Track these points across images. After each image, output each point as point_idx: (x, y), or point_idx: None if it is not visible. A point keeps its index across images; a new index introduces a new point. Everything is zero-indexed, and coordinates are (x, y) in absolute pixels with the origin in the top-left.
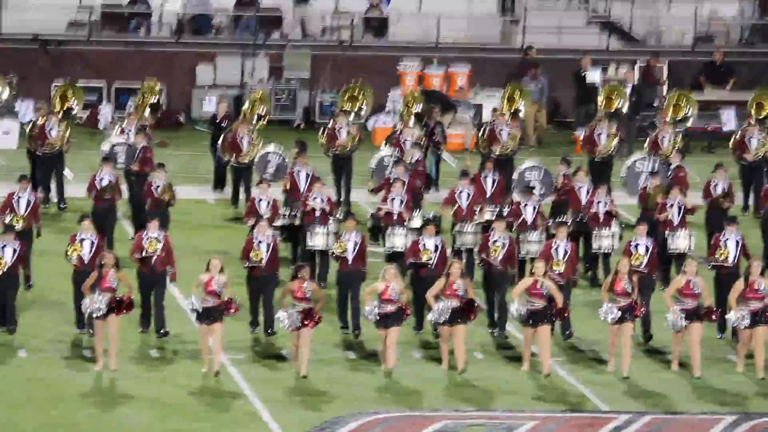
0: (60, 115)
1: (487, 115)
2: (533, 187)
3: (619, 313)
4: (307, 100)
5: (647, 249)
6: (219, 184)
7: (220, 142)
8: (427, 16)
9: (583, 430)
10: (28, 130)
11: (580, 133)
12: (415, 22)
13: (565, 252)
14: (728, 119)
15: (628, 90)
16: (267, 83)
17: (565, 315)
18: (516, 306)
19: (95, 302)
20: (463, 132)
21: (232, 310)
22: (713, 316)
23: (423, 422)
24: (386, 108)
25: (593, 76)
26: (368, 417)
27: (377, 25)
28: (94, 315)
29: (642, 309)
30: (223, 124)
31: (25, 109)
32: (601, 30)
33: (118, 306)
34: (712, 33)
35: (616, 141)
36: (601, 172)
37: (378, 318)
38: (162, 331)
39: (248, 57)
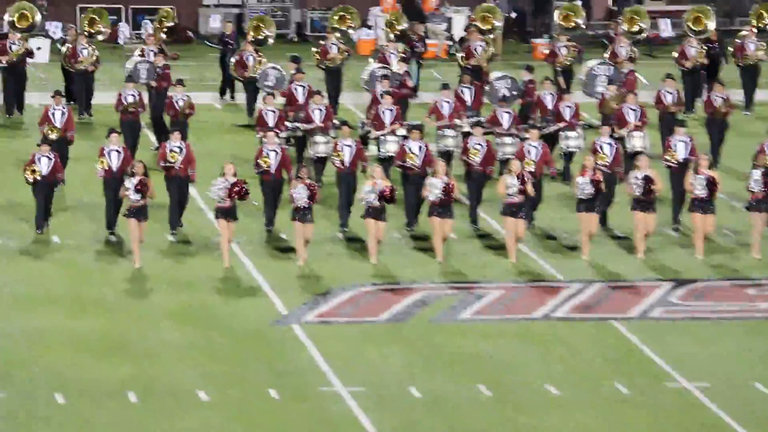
0: (88, 37)
1: (457, 27)
2: (508, 97)
3: (593, 190)
4: (299, 17)
5: (611, 147)
6: (224, 92)
7: (231, 63)
8: None
9: (542, 297)
10: (63, 50)
11: (539, 42)
12: None
13: (537, 151)
14: (665, 27)
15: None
16: (263, 2)
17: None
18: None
19: (129, 191)
20: (436, 42)
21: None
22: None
23: (404, 292)
24: (368, 22)
25: None
26: (356, 290)
27: None
28: (131, 198)
29: (599, 207)
30: (229, 41)
31: (55, 28)
32: None
33: (146, 191)
34: None
35: (575, 52)
36: (564, 79)
37: (368, 208)
38: (178, 224)
39: None
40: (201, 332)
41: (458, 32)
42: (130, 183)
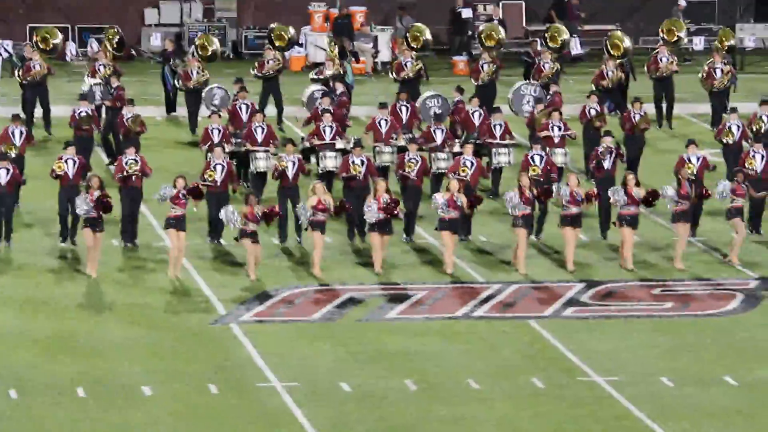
0: (39, 52)
1: (382, 45)
2: (440, 114)
3: (522, 221)
4: (235, 35)
5: (541, 158)
6: (170, 108)
7: (177, 75)
8: None
9: (463, 298)
10: (17, 69)
11: (458, 59)
12: None
13: (472, 164)
14: (575, 46)
15: (496, 22)
16: (202, 22)
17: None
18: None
19: (83, 204)
20: (364, 59)
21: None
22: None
23: (335, 293)
24: (299, 40)
25: (467, 12)
26: (290, 291)
27: None
28: (82, 215)
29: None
30: (169, 58)
31: (6, 46)
32: None
33: (104, 208)
34: None
35: (495, 68)
36: (486, 95)
37: (311, 223)
38: (134, 242)
39: (186, 1)
40: (145, 331)
41: (384, 50)
42: (85, 203)
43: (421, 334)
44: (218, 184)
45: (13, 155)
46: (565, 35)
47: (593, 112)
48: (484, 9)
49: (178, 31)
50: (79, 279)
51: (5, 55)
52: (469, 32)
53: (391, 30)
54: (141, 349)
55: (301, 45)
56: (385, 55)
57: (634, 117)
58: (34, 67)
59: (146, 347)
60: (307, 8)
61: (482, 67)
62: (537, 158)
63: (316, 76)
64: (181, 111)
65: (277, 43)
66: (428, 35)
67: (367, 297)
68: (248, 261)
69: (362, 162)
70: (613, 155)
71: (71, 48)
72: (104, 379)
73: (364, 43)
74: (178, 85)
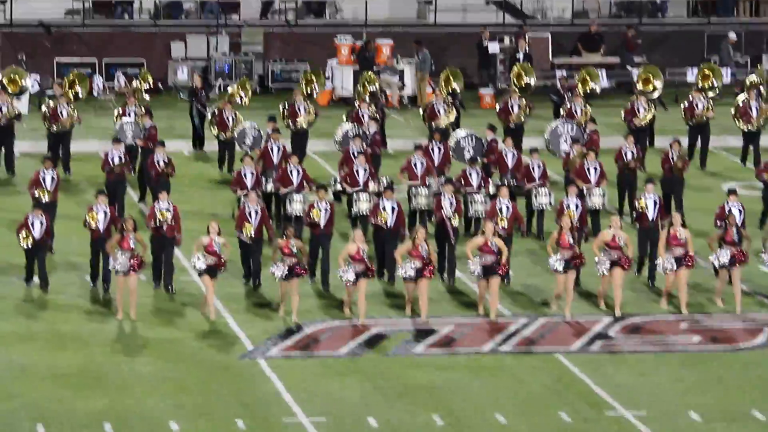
0: (69, 98)
1: (408, 79)
2: (475, 157)
3: (563, 263)
4: (261, 69)
5: (577, 206)
6: (198, 143)
7: (209, 118)
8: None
9: (490, 332)
10: (43, 110)
11: (485, 92)
12: (347, 4)
13: (508, 209)
14: (601, 78)
15: (521, 56)
16: (228, 56)
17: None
18: (471, 265)
19: (120, 261)
20: (389, 92)
21: (223, 269)
22: (626, 266)
23: (362, 328)
24: (326, 74)
25: (493, 46)
26: (317, 326)
27: (316, 8)
28: (119, 271)
29: (583, 259)
30: (200, 94)
31: (33, 81)
32: (498, 8)
33: (139, 264)
34: (587, 9)
35: (527, 110)
36: (515, 136)
37: (353, 277)
38: (170, 288)
39: (213, 35)
40: (172, 366)
41: (410, 83)
42: (124, 257)
43: (447, 369)
44: (254, 235)
45: (46, 200)
46: (598, 80)
47: (630, 154)
48: (510, 42)
49: (205, 65)
50: (108, 316)
51: (34, 89)
52: (496, 66)
53: (413, 61)
54: (168, 384)
55: (327, 78)
56: (410, 89)
57: (672, 157)
58: (62, 115)
59: (173, 382)
60: (334, 41)
61: (512, 108)
62: (573, 204)
63: (348, 121)
64: (210, 145)
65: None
66: (460, 84)
67: (394, 332)
68: (282, 299)
69: (393, 209)
70: (657, 206)
71: (98, 82)
72: (131, 414)
73: (390, 76)
74: (214, 133)
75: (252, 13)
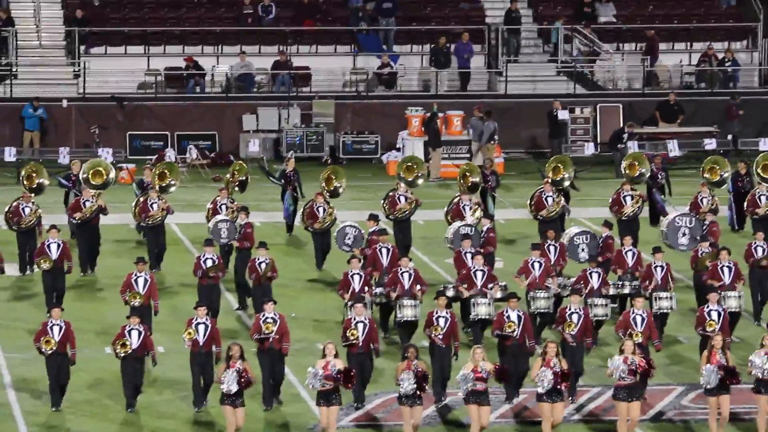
0: (158, 190)
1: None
2: (593, 255)
3: (719, 381)
4: (332, 141)
5: (719, 315)
6: (289, 229)
7: (300, 212)
8: (428, 71)
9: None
10: (133, 205)
11: None
12: (417, 75)
13: (643, 320)
14: (674, 147)
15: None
16: (299, 128)
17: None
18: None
19: (228, 383)
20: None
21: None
22: None
23: (430, 398)
24: (397, 144)
25: (563, 115)
26: (387, 396)
27: (387, 79)
28: (224, 390)
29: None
30: (292, 177)
31: (106, 154)
32: (568, 78)
33: (246, 384)
34: (659, 80)
35: (640, 202)
36: (629, 229)
37: (469, 393)
38: (277, 399)
39: (284, 107)
40: None
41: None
42: (230, 377)
43: None
44: (360, 343)
45: (137, 304)
46: (728, 168)
47: (760, 251)
48: (581, 111)
49: (276, 137)
50: None
51: (108, 160)
52: (567, 134)
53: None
54: None
55: (398, 149)
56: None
57: (755, 251)
58: (152, 209)
59: None
60: (405, 112)
61: (625, 200)
62: (714, 313)
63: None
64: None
65: (405, 176)
66: (569, 172)
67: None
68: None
69: (519, 318)
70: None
71: (170, 155)
72: None
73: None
74: (304, 226)
75: (323, 85)
